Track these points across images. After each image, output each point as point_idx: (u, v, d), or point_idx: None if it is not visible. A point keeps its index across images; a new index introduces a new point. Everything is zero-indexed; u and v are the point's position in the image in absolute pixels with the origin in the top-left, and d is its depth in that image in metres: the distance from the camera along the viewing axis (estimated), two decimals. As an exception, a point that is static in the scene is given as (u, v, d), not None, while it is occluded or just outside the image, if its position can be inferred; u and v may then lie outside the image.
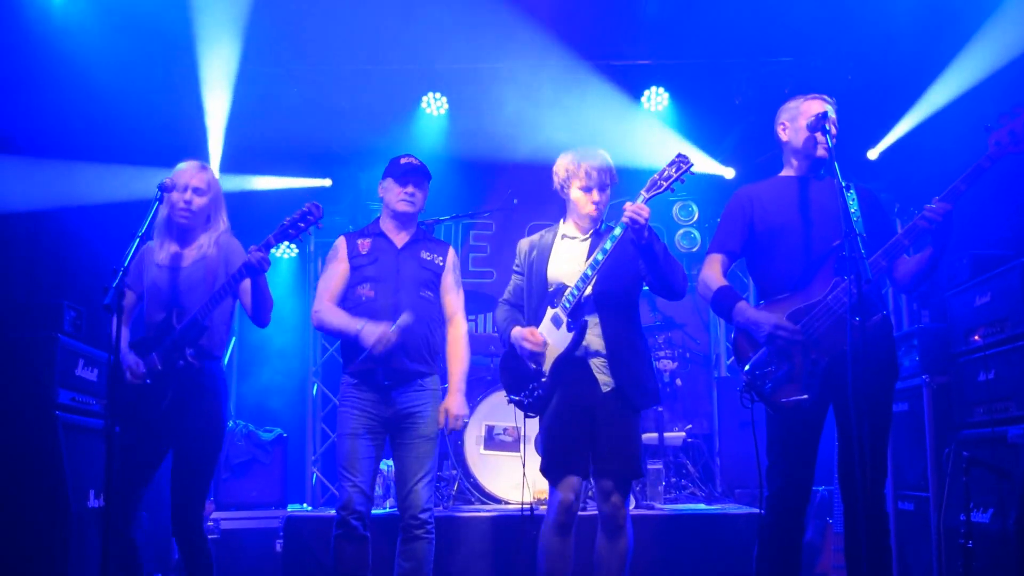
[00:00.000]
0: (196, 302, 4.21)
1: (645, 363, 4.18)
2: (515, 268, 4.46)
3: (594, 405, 4.06)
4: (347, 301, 4.60)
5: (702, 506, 6.06)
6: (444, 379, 4.66)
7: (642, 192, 3.93)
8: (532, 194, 6.64)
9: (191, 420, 4.18)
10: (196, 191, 4.32)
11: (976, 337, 4.95)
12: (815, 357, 3.68)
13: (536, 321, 4.21)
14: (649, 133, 7.98)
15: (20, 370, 4.72)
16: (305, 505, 7.66)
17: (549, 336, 4.13)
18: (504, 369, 4.35)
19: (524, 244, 4.45)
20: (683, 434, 6.68)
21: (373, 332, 4.35)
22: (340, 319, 4.52)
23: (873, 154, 6.93)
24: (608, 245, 3.98)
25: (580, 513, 4.13)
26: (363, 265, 4.61)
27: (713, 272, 4.05)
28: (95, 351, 5.14)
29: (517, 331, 4.21)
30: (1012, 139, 3.45)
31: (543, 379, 4.12)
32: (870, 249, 3.55)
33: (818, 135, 3.87)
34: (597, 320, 4.11)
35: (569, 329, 4.06)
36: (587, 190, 4.20)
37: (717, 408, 7.68)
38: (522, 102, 7.71)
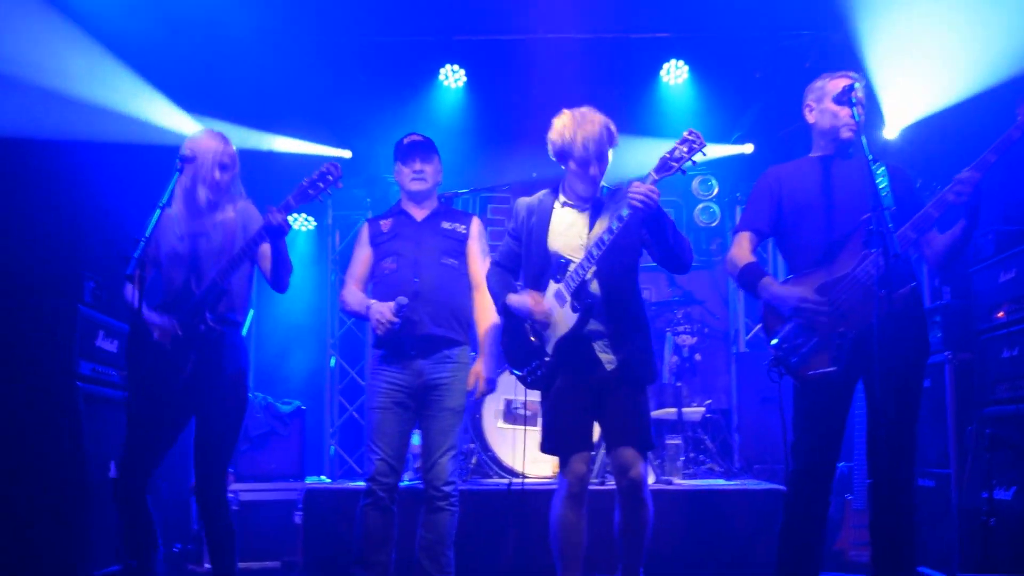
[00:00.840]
0: (215, 267, 4.13)
1: (647, 339, 4.09)
2: (510, 230, 4.28)
3: (599, 384, 3.99)
4: (374, 277, 4.70)
5: (721, 481, 6.05)
6: (474, 348, 4.67)
7: (652, 173, 3.76)
8: (551, 167, 6.58)
9: (214, 387, 4.10)
10: (222, 167, 4.22)
11: (1000, 314, 4.92)
12: (843, 330, 3.68)
13: (536, 292, 4.10)
14: (669, 106, 7.93)
15: (40, 341, 4.73)
16: (323, 477, 7.68)
17: (553, 313, 4.01)
18: (505, 341, 4.22)
19: (521, 206, 4.24)
20: (702, 409, 6.66)
21: (375, 312, 4.44)
22: (354, 301, 4.63)
23: (893, 133, 6.83)
24: (615, 225, 3.82)
25: (599, 488, 4.08)
26: (386, 241, 4.67)
27: (740, 250, 4.07)
28: (115, 322, 5.15)
29: (516, 298, 4.10)
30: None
31: (546, 358, 4.02)
32: (898, 224, 3.57)
33: (842, 112, 3.87)
34: (600, 296, 3.99)
35: (574, 310, 3.94)
36: (584, 163, 3.97)
37: (736, 383, 7.65)
38: (540, 75, 7.67)
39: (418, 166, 4.64)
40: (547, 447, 4.05)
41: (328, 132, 7.88)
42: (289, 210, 4.06)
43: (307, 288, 8.27)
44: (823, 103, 4.01)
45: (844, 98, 3.79)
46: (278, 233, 4.03)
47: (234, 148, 4.31)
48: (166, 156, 4.37)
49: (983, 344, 5.05)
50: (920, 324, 3.86)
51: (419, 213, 4.70)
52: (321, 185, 4.06)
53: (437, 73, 7.98)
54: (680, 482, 5.77)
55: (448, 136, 7.36)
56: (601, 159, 3.99)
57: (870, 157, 3.54)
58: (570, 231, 4.08)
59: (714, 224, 7.96)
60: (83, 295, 4.93)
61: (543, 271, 4.07)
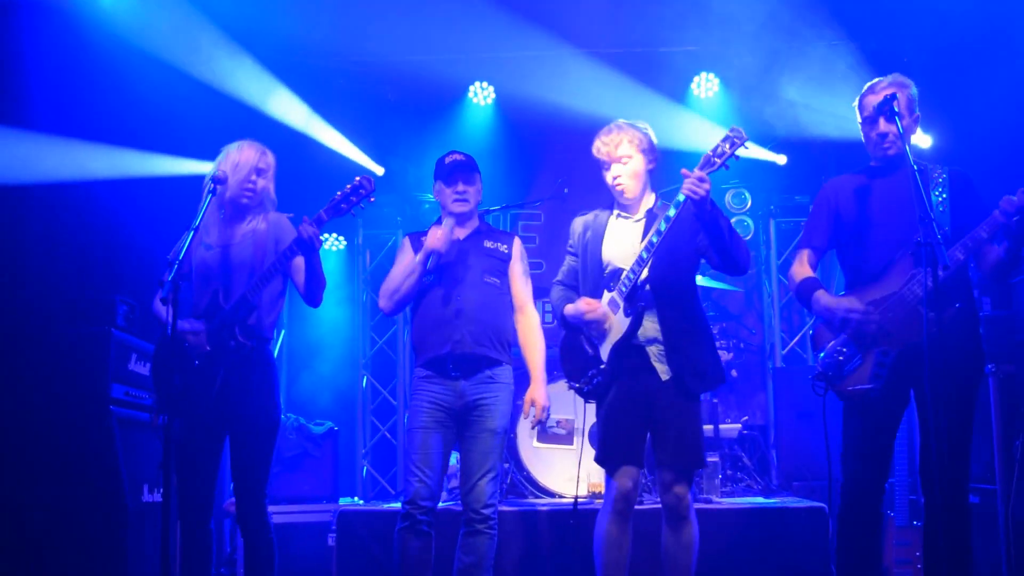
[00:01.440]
0: (244, 281, 4.12)
1: (704, 347, 4.06)
2: (569, 249, 4.38)
3: (653, 394, 3.98)
4: (415, 294, 4.57)
5: (760, 499, 5.94)
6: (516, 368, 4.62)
7: (696, 170, 3.77)
8: (581, 184, 6.56)
9: (244, 403, 4.10)
10: (259, 172, 4.26)
11: (1046, 325, 4.81)
12: (885, 348, 3.72)
13: None
14: (700, 120, 7.88)
15: (74, 365, 4.73)
16: (356, 499, 7.63)
17: (607, 320, 4.05)
18: (564, 354, 4.26)
19: (578, 224, 4.34)
20: (739, 426, 6.57)
21: (431, 237, 4.37)
22: (401, 270, 4.51)
23: (926, 142, 6.73)
24: (663, 226, 3.85)
25: (643, 507, 4.04)
26: None
27: (800, 266, 4.11)
28: (148, 345, 5.14)
29: (571, 306, 4.15)
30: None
31: (601, 366, 4.05)
32: (956, 238, 3.66)
33: (874, 134, 3.92)
34: (655, 307, 4.01)
35: (626, 314, 3.97)
36: (605, 166, 4.13)
37: (773, 399, 7.54)
38: (570, 91, 7.65)
39: (461, 187, 4.54)
40: (599, 458, 4.08)
41: (360, 150, 7.86)
42: (321, 223, 4.05)
43: (338, 308, 8.24)
44: (861, 125, 4.03)
45: (879, 115, 3.83)
46: (311, 247, 4.03)
47: (272, 158, 4.32)
48: (197, 182, 4.39)
49: (1029, 356, 4.94)
50: (971, 339, 3.80)
51: (461, 232, 4.60)
52: (354, 199, 4.04)
53: (467, 90, 7.97)
54: (720, 500, 5.67)
55: (477, 153, 7.28)
56: (619, 161, 4.10)
57: (917, 168, 3.53)
58: (624, 241, 4.13)
59: (748, 237, 7.85)
60: (116, 319, 4.93)
61: (599, 282, 4.12)
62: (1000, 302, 5.62)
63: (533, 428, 4.65)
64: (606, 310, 4.03)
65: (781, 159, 7.86)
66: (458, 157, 4.62)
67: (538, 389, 4.52)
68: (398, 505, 5.65)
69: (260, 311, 4.15)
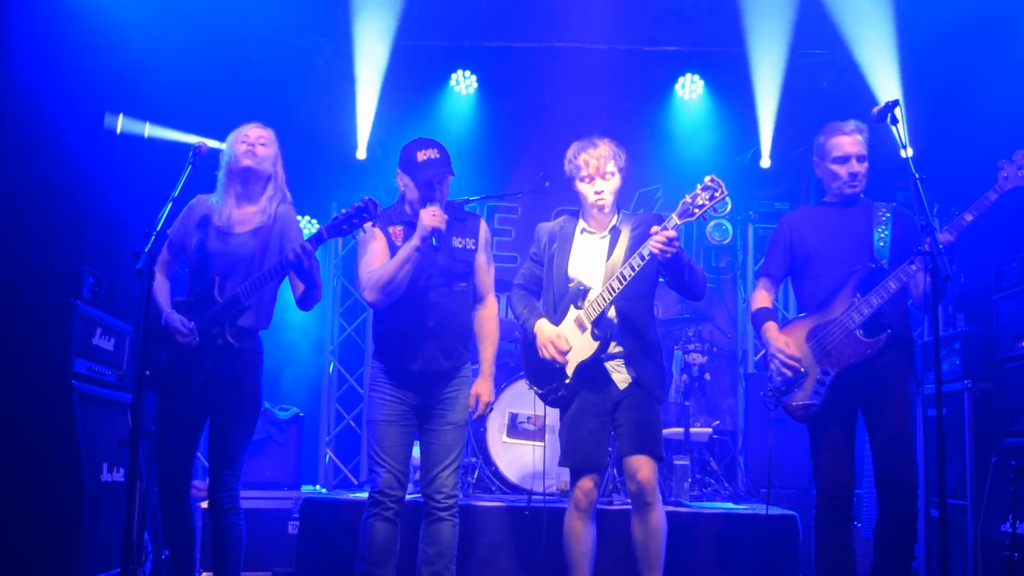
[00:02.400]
0: (243, 274, 4.19)
1: (657, 363, 4.28)
2: (532, 254, 4.47)
3: (614, 401, 4.20)
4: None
5: (730, 504, 5.90)
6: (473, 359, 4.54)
7: (673, 216, 3.93)
8: (561, 178, 6.47)
9: (226, 396, 4.22)
10: (260, 140, 4.33)
11: (1024, 342, 4.79)
12: (826, 367, 4.16)
13: (556, 316, 4.27)
14: (682, 119, 7.85)
15: (36, 338, 4.56)
16: (318, 487, 7.52)
17: (572, 338, 4.20)
18: (527, 353, 4.42)
19: (543, 231, 4.44)
20: (709, 430, 6.53)
21: (426, 216, 4.10)
22: (392, 263, 4.20)
23: (909, 151, 6.73)
24: (637, 263, 4.02)
25: (614, 508, 4.08)
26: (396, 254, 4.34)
27: (757, 294, 4.55)
28: (113, 320, 5.00)
29: (546, 331, 4.25)
30: (1018, 176, 3.96)
31: (566, 380, 4.24)
32: (893, 265, 4.12)
33: (840, 171, 4.32)
34: (617, 321, 4.20)
35: (595, 338, 4.15)
36: (588, 179, 4.23)
37: (744, 404, 7.51)
38: (552, 84, 7.59)
39: (436, 195, 4.26)
40: (563, 461, 4.27)
41: (337, 134, 7.73)
42: (321, 240, 4.07)
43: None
44: (824, 162, 4.38)
45: (842, 159, 4.30)
46: (300, 268, 4.09)
47: (274, 137, 4.40)
48: (173, 150, 4.28)
49: (1005, 373, 4.93)
50: (907, 363, 4.22)
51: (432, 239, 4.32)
52: (356, 221, 4.02)
53: (448, 79, 7.87)
54: (690, 504, 5.63)
55: (457, 142, 7.26)
56: (604, 176, 4.22)
57: (876, 207, 4.25)
58: (590, 259, 4.28)
59: (726, 241, 7.83)
60: (81, 291, 4.77)
61: (563, 295, 4.27)
62: (976, 318, 5.63)
63: (475, 419, 4.57)
64: (567, 350, 4.20)
65: (764, 163, 7.82)
66: (432, 155, 4.27)
67: (485, 383, 4.46)
68: (363, 495, 5.57)
69: (252, 311, 4.21)
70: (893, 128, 3.74)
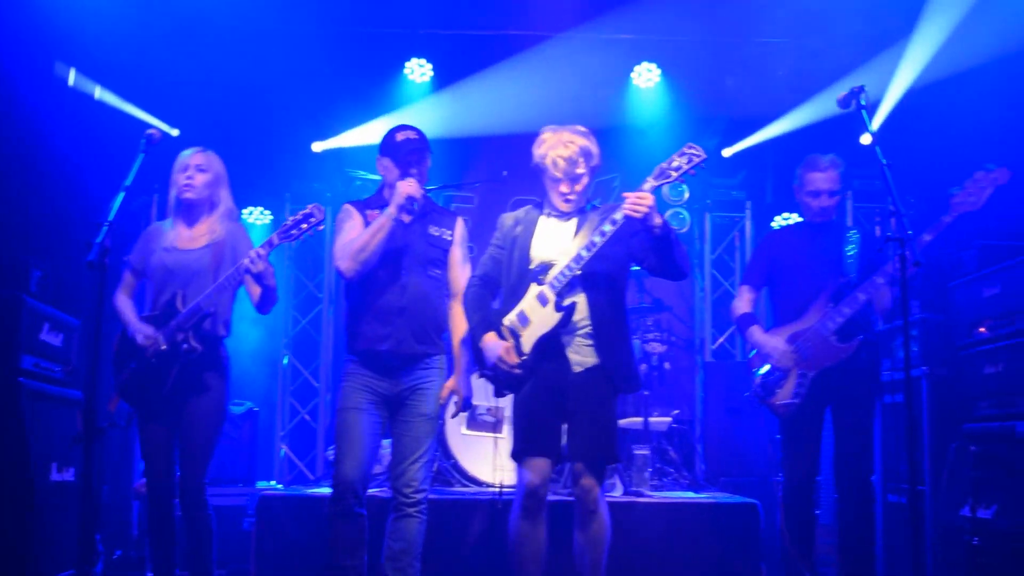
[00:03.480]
0: (202, 286, 4.38)
1: (628, 346, 4.09)
2: (495, 241, 4.27)
3: (566, 386, 3.96)
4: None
5: (690, 494, 5.89)
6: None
7: (648, 179, 3.82)
8: (518, 168, 6.41)
9: (195, 398, 4.39)
10: (198, 168, 4.52)
11: (982, 329, 4.83)
12: (804, 370, 4.63)
13: (516, 297, 4.04)
14: (639, 108, 7.82)
15: (-20, 332, 4.44)
16: (274, 482, 7.41)
17: (533, 314, 3.98)
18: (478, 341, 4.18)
19: (508, 218, 4.26)
20: (669, 419, 6.51)
21: (403, 186, 4.20)
22: (367, 231, 4.25)
23: (867, 140, 6.77)
24: (608, 228, 3.84)
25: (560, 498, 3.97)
26: None
27: (739, 301, 5.00)
28: (62, 314, 4.86)
29: (492, 347, 4.03)
30: (971, 202, 4.35)
31: (523, 358, 3.99)
32: (861, 278, 4.61)
33: (814, 203, 4.82)
34: (584, 298, 3.99)
35: (558, 309, 3.94)
36: (557, 182, 4.05)
37: (703, 393, 7.51)
38: (509, 72, 7.52)
39: (413, 172, 4.32)
40: (515, 452, 4.03)
41: (290, 124, 7.60)
42: (271, 247, 4.29)
43: (261, 284, 7.97)
44: (800, 192, 4.87)
45: (814, 194, 4.81)
46: (256, 274, 4.30)
47: (216, 157, 4.60)
48: (124, 139, 4.19)
49: (963, 360, 4.97)
50: (872, 367, 4.76)
51: (405, 216, 4.35)
52: (304, 227, 4.25)
53: (403, 66, 7.77)
54: (650, 494, 5.61)
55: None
56: (574, 180, 4.04)
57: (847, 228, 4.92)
58: (554, 238, 4.10)
59: (684, 230, 7.79)
60: (29, 285, 4.64)
61: (524, 276, 4.06)
62: (933, 306, 5.66)
63: (453, 417, 4.55)
64: (516, 364, 3.98)
65: (725, 152, 7.85)
66: (411, 135, 4.40)
67: (462, 379, 4.43)
68: (320, 491, 5.50)
69: (214, 317, 4.41)
70: (858, 113, 3.71)
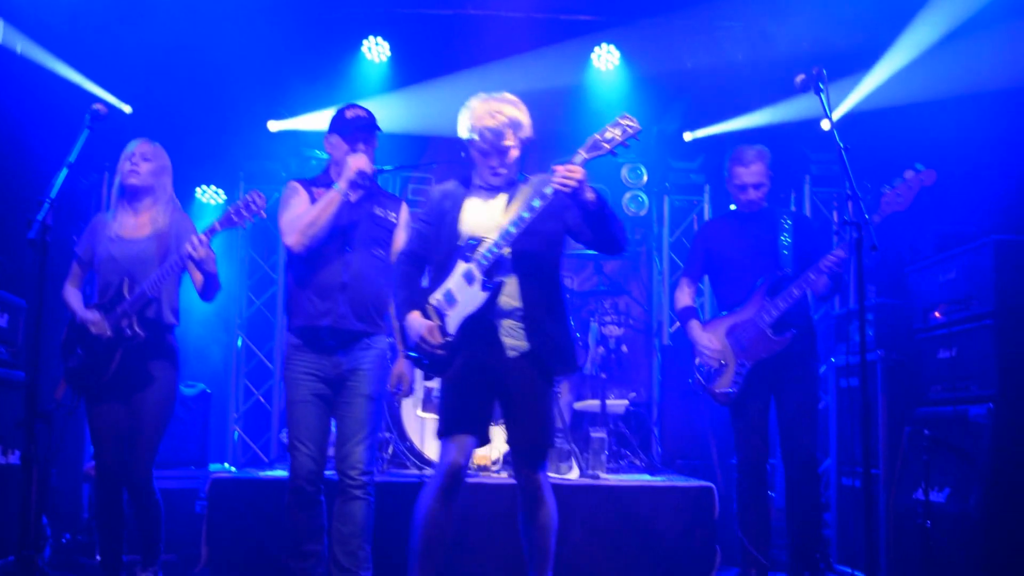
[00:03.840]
0: (147, 274, 4.45)
1: (563, 327, 3.92)
2: (421, 216, 4.12)
3: (500, 371, 3.82)
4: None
5: (647, 477, 5.89)
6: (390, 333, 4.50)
7: (580, 151, 3.61)
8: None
9: (140, 383, 4.46)
10: (143, 156, 4.59)
11: (937, 314, 4.86)
12: (742, 361, 4.82)
13: (443, 274, 3.89)
14: (599, 90, 7.77)
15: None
16: (227, 464, 7.32)
17: (459, 293, 3.83)
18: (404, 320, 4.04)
19: (435, 192, 4.11)
20: (625, 402, 6.51)
21: (352, 161, 4.23)
22: (316, 205, 4.26)
23: (826, 124, 6.79)
24: (537, 203, 3.67)
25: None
26: None
27: (681, 293, 5.20)
28: (7, 295, 4.75)
29: (416, 326, 3.87)
30: (899, 202, 4.38)
31: (447, 339, 3.84)
32: (797, 272, 4.75)
33: (742, 196, 4.98)
34: (515, 280, 3.82)
35: (484, 288, 3.77)
36: (485, 155, 3.87)
37: (660, 376, 7.51)
38: (468, 53, 7.43)
39: (361, 148, 4.34)
40: (440, 431, 3.89)
41: (245, 102, 7.47)
42: (214, 233, 4.36)
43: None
44: (729, 183, 5.02)
45: (740, 188, 4.95)
46: (196, 261, 4.36)
47: (161, 149, 4.67)
48: (68, 114, 4.09)
49: (918, 344, 5.00)
50: (811, 356, 4.91)
51: (353, 194, 4.37)
52: (245, 213, 4.30)
53: (360, 45, 7.66)
54: (607, 477, 5.60)
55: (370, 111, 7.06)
56: (502, 152, 3.85)
57: (781, 217, 4.96)
58: (483, 213, 3.92)
59: (642, 213, 7.78)
60: (-29, 264, 4.52)
61: (452, 252, 3.89)
62: (888, 290, 5.70)
63: (398, 402, 4.51)
64: (441, 343, 3.83)
65: (687, 136, 7.82)
66: (360, 113, 4.42)
67: (406, 363, 4.37)
68: (273, 473, 5.43)
69: (159, 304, 4.50)
70: (818, 97, 3.69)
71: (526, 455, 3.85)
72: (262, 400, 8.08)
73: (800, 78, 3.81)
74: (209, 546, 5.21)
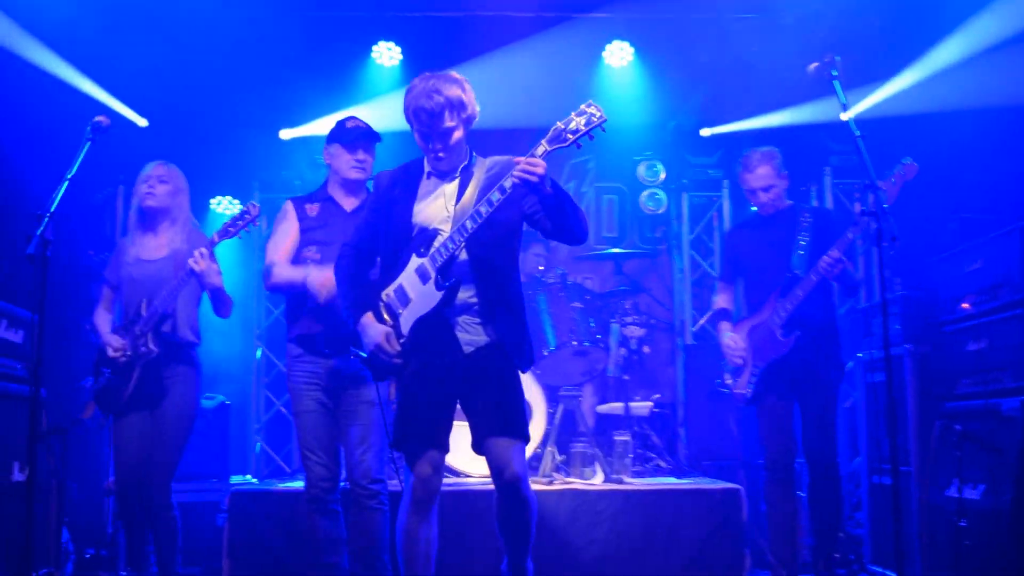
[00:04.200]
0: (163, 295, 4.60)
1: (520, 321, 3.72)
2: (370, 204, 3.92)
3: (456, 370, 3.62)
4: (295, 263, 4.49)
5: (672, 479, 5.80)
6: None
7: (543, 143, 3.39)
8: (488, 152, 6.26)
9: (159, 399, 4.57)
10: (159, 179, 4.75)
11: (964, 305, 4.74)
12: (756, 362, 4.92)
13: (395, 269, 3.69)
14: (611, 87, 7.69)
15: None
16: (249, 476, 7.28)
17: (412, 290, 3.63)
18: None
19: (384, 176, 3.84)
20: (650, 404, 6.42)
21: (318, 277, 4.28)
22: (288, 271, 4.44)
23: (847, 115, 6.69)
24: (496, 197, 3.43)
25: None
26: (311, 228, 4.50)
27: (717, 295, 5.35)
28: (21, 311, 4.72)
29: (375, 328, 3.67)
30: (871, 216, 4.12)
31: (400, 340, 3.64)
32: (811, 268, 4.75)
33: (754, 200, 5.08)
34: (472, 274, 3.63)
35: (438, 287, 3.56)
36: (425, 138, 3.62)
37: (684, 376, 7.40)
38: (481, 55, 7.37)
39: (361, 155, 4.48)
40: (394, 442, 3.68)
41: (257, 112, 7.45)
42: (214, 246, 4.57)
43: (232, 276, 7.79)
44: (744, 188, 5.08)
45: (750, 192, 5.05)
46: (198, 276, 4.52)
47: (177, 171, 4.81)
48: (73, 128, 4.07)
49: (945, 336, 4.89)
50: (833, 355, 4.89)
51: (348, 203, 4.52)
52: (240, 224, 4.53)
53: (370, 50, 7.61)
54: (631, 481, 5.51)
55: (381, 117, 7.00)
56: (442, 135, 3.59)
57: (801, 212, 4.97)
58: (436, 202, 3.69)
59: (660, 211, 7.67)
60: (-17, 281, 4.50)
61: (404, 244, 3.68)
62: (911, 283, 5.58)
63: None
64: (397, 352, 3.63)
65: (704, 132, 7.73)
66: (361, 124, 4.55)
67: None
68: (294, 485, 5.40)
69: (173, 319, 4.63)
70: (832, 85, 3.60)
71: (503, 454, 3.55)
72: (283, 411, 8.02)
73: (813, 66, 3.75)
74: (231, 559, 5.17)
